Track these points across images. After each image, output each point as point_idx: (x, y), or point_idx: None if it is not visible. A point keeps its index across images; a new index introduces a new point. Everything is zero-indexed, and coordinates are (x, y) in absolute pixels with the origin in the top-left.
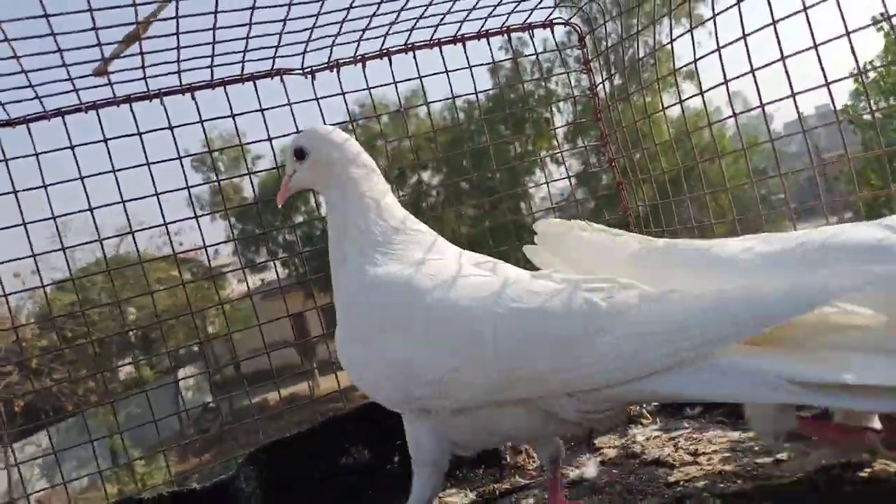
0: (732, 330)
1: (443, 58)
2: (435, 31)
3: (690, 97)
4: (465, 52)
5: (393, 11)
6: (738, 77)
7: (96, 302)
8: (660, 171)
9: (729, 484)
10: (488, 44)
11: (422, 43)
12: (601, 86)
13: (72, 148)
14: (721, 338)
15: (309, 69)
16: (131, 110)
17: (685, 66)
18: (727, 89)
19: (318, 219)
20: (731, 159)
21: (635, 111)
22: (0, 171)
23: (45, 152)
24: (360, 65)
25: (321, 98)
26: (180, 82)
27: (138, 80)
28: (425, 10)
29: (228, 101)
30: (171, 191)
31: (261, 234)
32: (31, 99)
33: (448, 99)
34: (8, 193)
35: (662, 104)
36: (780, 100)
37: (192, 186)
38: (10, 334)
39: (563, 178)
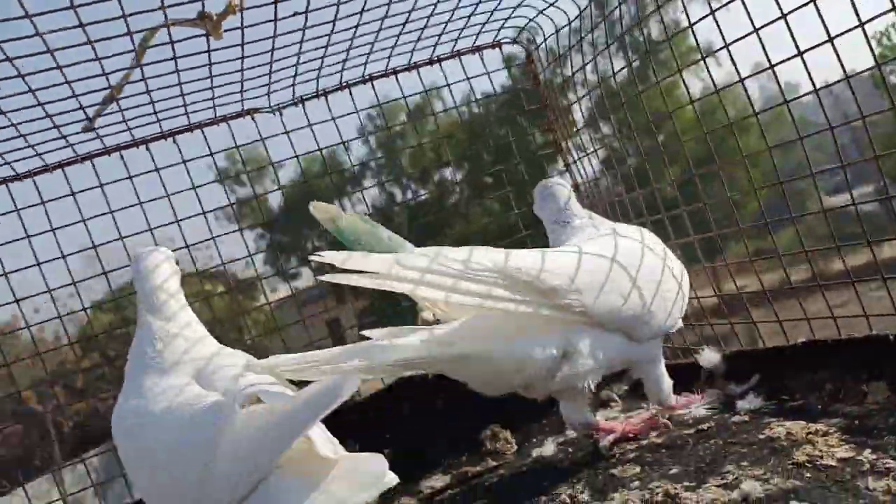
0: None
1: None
2: (388, 63)
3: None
4: (420, 79)
5: (343, 51)
6: (740, 39)
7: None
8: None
9: (654, 452)
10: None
11: (378, 74)
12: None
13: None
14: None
15: (277, 106)
16: (121, 157)
17: (678, 32)
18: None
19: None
20: (756, 134)
21: (654, 94)
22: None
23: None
24: (322, 98)
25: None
26: (161, 129)
27: (123, 131)
28: (397, 38)
29: (208, 145)
30: (192, 215)
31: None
32: (32, 156)
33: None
34: (46, 232)
35: (685, 83)
36: (832, 84)
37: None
38: (55, 356)
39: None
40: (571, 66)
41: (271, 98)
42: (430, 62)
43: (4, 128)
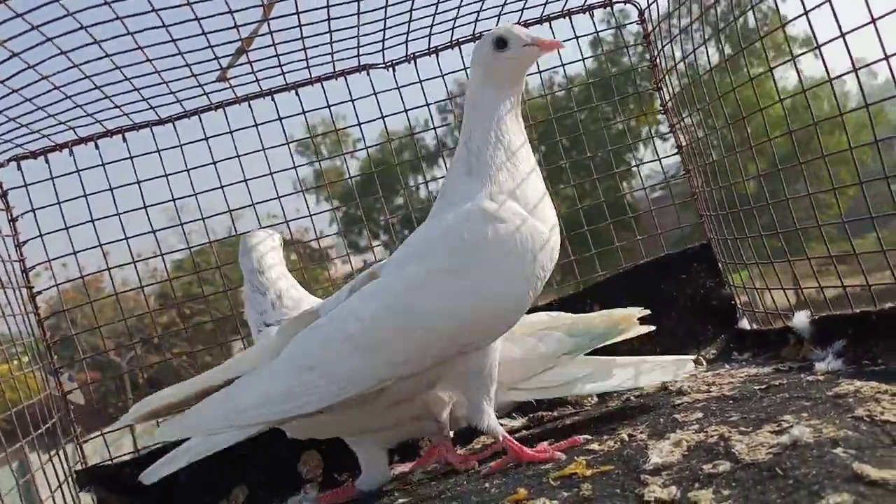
0: None
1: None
2: (498, 21)
3: (801, 53)
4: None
5: (454, 8)
6: (852, 30)
7: (211, 282)
8: (771, 142)
9: (720, 402)
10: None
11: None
12: (681, 63)
13: (179, 146)
14: None
15: (390, 62)
16: (249, 107)
17: (791, 20)
18: (847, 48)
19: (416, 201)
20: (852, 131)
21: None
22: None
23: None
24: (433, 55)
25: (401, 87)
26: (285, 82)
27: (252, 82)
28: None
29: (325, 94)
30: (262, 176)
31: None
32: (173, 103)
33: (545, 70)
34: (133, 183)
35: (769, 64)
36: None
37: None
38: (134, 311)
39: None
40: (679, 25)
41: (385, 55)
42: (541, 21)
43: (149, 74)
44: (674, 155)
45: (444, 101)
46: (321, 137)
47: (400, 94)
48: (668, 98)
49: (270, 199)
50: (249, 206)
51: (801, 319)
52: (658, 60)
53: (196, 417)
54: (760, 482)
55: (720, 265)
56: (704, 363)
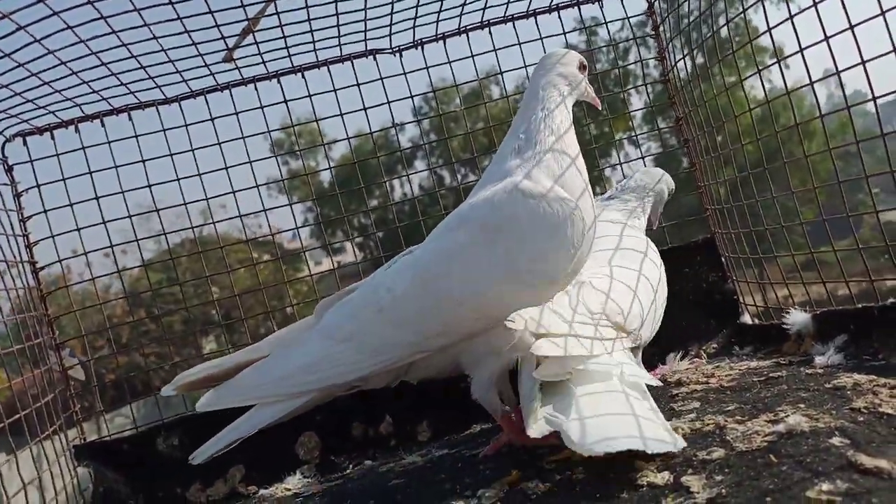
0: None
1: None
2: (506, 8)
3: (767, 66)
4: (538, 26)
5: None
6: (812, 45)
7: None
8: (740, 150)
9: (718, 393)
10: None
11: (497, 19)
12: (682, 62)
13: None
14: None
15: (397, 48)
16: (255, 89)
17: (759, 35)
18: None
19: (392, 203)
20: (820, 141)
21: (716, 89)
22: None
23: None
24: (441, 42)
25: (408, 73)
26: (292, 64)
27: (258, 64)
28: None
29: (332, 79)
30: (234, 165)
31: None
32: (179, 82)
33: (519, 68)
34: (109, 168)
35: (740, 75)
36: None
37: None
38: (101, 310)
39: (638, 158)
40: (688, 18)
41: (392, 40)
42: (549, 10)
43: (155, 52)
44: (676, 149)
45: (448, 88)
46: (295, 138)
47: (406, 79)
48: (674, 91)
49: (272, 183)
50: (252, 187)
51: (803, 315)
52: (666, 53)
53: (239, 387)
54: (754, 468)
55: (723, 259)
56: (705, 356)
